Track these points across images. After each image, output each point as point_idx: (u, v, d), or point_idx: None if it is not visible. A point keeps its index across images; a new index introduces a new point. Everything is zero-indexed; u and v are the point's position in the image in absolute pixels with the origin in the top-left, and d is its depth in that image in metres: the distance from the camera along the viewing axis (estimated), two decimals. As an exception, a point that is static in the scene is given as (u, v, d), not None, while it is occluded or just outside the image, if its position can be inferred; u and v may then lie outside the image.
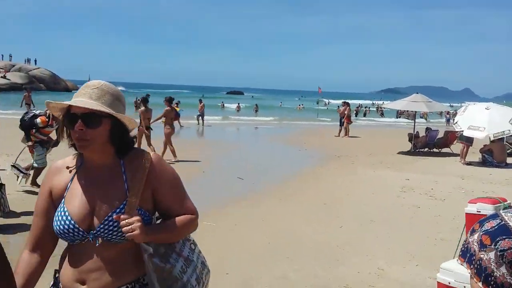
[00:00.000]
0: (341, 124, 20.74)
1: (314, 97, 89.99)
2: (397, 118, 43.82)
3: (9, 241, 5.03)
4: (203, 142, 16.43)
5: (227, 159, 12.39)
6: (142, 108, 11.19)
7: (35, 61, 79.07)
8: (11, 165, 7.30)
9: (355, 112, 46.45)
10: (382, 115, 45.60)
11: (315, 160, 12.73)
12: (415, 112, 17.75)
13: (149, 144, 10.70)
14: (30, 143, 7.17)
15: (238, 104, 47.76)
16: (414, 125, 16.16)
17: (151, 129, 11.10)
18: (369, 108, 57.95)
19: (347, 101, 23.39)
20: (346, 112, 20.56)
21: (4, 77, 66.01)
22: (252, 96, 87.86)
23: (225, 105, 50.84)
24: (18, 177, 7.22)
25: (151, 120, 11.04)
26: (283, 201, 7.43)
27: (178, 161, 10.67)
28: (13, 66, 74.25)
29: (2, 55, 79.05)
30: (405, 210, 7.12)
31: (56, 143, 7.25)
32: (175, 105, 15.36)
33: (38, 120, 7.03)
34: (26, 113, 7.44)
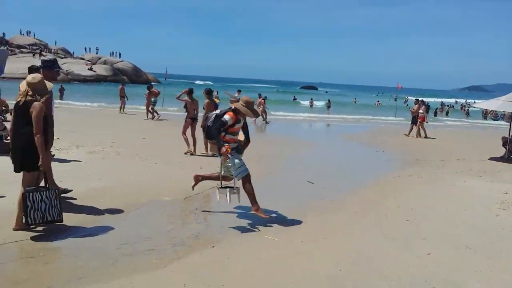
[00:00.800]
0: (413, 123, 19.22)
1: (393, 93, 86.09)
2: (484, 119, 40.38)
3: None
4: (270, 140, 15.62)
5: (295, 159, 11.55)
6: (187, 98, 11.32)
7: (119, 54, 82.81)
8: (219, 188, 5.89)
9: (439, 111, 43.54)
10: (467, 114, 42.09)
11: (394, 164, 11.49)
12: (511, 113, 15.94)
13: (185, 133, 11.03)
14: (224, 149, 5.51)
15: (311, 99, 46.68)
16: (510, 127, 14.25)
17: (196, 120, 11.03)
18: (453, 106, 54.11)
19: (422, 98, 21.83)
20: (421, 110, 18.95)
21: (91, 69, 69.95)
22: (326, 92, 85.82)
23: (297, 100, 50.16)
24: (226, 195, 5.74)
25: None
26: (358, 215, 6.43)
27: (207, 155, 10.67)
28: (99, 58, 78.72)
29: (90, 48, 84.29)
30: (508, 234, 5.87)
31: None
32: (215, 97, 14.85)
33: (227, 117, 5.62)
34: (206, 118, 6.01)
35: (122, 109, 22.52)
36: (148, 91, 20.48)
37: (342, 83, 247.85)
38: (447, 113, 43.52)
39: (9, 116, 14.70)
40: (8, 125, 12.31)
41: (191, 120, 11.03)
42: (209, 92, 10.99)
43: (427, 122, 19.50)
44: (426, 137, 18.50)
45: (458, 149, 14.88)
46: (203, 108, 11.00)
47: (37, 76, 4.90)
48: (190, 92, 11.29)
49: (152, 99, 20.38)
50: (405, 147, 15.00)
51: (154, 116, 20.37)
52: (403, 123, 28.14)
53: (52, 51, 77.53)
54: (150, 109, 20.35)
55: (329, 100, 43.91)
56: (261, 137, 15.93)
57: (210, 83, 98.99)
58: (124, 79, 73.64)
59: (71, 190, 6.34)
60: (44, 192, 4.84)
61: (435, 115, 39.76)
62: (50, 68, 5.42)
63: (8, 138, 10.73)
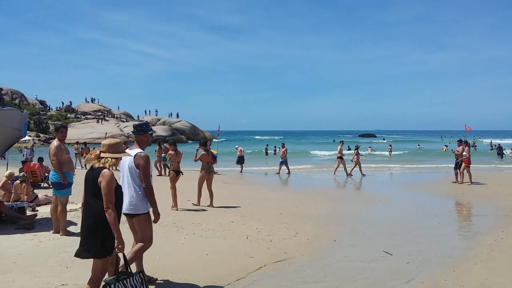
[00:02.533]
0: (457, 168, 17.06)
1: (459, 136, 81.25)
2: None
3: None
4: (321, 194, 13.93)
5: (361, 220, 9.69)
6: (171, 151, 11.13)
7: (177, 114, 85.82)
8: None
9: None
10: None
11: (488, 221, 9.40)
12: None
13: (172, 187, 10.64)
14: None
15: (370, 147, 44.91)
16: None
17: (181, 173, 11.01)
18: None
19: (465, 139, 19.55)
20: (464, 152, 16.65)
21: (151, 131, 72.50)
22: (384, 139, 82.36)
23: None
24: None
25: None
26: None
27: (213, 206, 10.69)
28: (159, 120, 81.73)
29: (150, 111, 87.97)
30: None
31: None
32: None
33: None
34: None
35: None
36: (158, 147, 20.65)
37: (401, 129, 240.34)
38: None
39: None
40: (41, 192, 12.01)
41: (175, 173, 10.86)
42: (204, 144, 11.24)
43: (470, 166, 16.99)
44: (471, 182, 16.18)
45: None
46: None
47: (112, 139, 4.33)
48: (173, 144, 11.39)
49: (162, 154, 20.03)
50: (492, 197, 12.73)
51: (163, 172, 20.17)
52: (477, 168, 25.39)
53: (115, 115, 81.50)
54: (159, 165, 20.38)
55: (390, 146, 41.79)
56: (309, 192, 14.29)
57: (258, 137, 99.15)
58: (182, 138, 75.97)
59: (156, 279, 5.22)
60: (129, 280, 4.03)
61: (501, 157, 36.21)
62: (144, 132, 5.00)
63: (36, 208, 10.17)
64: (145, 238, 4.77)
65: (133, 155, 4.69)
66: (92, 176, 3.97)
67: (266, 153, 39.13)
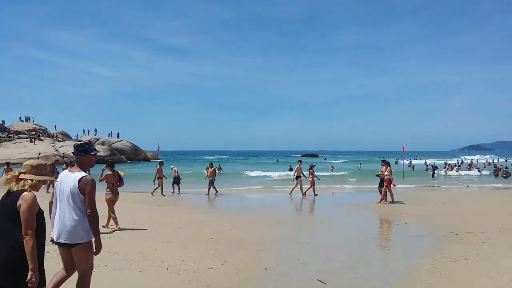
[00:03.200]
0: (381, 186, 17.23)
1: (395, 156, 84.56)
2: (495, 177, 38.13)
3: None
4: (261, 216, 13.27)
5: (296, 245, 9.07)
6: (109, 172, 10.82)
7: (118, 134, 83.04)
8: None
9: (445, 171, 41.35)
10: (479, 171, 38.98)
11: (426, 242, 9.09)
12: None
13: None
14: None
15: (332, 167, 45.15)
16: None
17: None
18: (459, 166, 51.96)
19: (386, 160, 19.65)
20: (386, 172, 16.87)
21: (88, 150, 69.53)
22: (325, 159, 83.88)
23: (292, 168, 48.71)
24: None
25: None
26: None
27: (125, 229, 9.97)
28: (98, 139, 78.48)
29: (88, 130, 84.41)
30: None
31: None
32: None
33: None
34: None
35: (161, 190, 20.33)
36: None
37: (342, 150, 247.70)
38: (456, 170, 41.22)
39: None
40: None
41: (113, 195, 10.67)
42: (110, 164, 10.93)
43: (394, 186, 17.29)
44: (392, 201, 16.40)
45: (492, 215, 12.52)
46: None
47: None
48: (110, 165, 10.99)
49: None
50: (429, 217, 12.61)
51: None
52: (413, 188, 25.94)
53: (52, 135, 77.43)
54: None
55: (332, 167, 42.24)
56: (258, 214, 13.60)
57: (212, 157, 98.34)
58: (122, 158, 73.29)
59: None
60: None
61: (433, 176, 37.91)
62: (86, 152, 4.56)
63: None
64: (86, 268, 4.44)
65: (78, 179, 4.29)
66: (8, 200, 3.51)
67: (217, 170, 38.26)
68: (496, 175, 37.70)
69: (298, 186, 20.09)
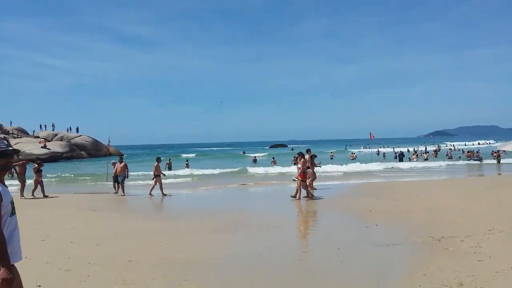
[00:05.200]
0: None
1: (361, 144, 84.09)
2: (468, 160, 37.47)
3: None
4: (208, 222, 11.21)
5: (239, 262, 7.08)
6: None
7: (77, 129, 79.32)
8: None
9: (413, 157, 40.34)
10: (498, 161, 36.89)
11: (403, 254, 7.19)
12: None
13: None
14: None
15: (273, 158, 43.51)
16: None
17: None
18: (427, 152, 51.40)
19: (300, 152, 16.94)
20: (299, 165, 15.00)
21: (45, 146, 65.97)
22: (292, 149, 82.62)
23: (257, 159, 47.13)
24: None
25: None
26: None
27: None
28: (56, 135, 74.85)
29: (45, 125, 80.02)
30: None
31: None
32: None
33: None
34: None
35: (160, 190, 17.86)
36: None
37: (312, 139, 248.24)
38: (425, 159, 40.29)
39: None
40: None
41: None
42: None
43: (310, 178, 15.63)
44: (308, 196, 14.81)
45: (474, 210, 10.84)
46: None
47: None
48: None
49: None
50: (403, 215, 10.81)
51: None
52: (386, 176, 24.45)
53: (7, 131, 72.91)
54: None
55: (294, 157, 40.73)
56: (206, 219, 11.47)
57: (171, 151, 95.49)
58: (83, 154, 69.68)
59: None
60: None
61: (400, 160, 37.94)
62: None
63: None
64: None
65: None
66: None
67: (170, 168, 35.66)
68: (469, 160, 37.14)
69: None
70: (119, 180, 18.47)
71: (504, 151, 31.55)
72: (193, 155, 75.41)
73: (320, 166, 19.21)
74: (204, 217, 11.86)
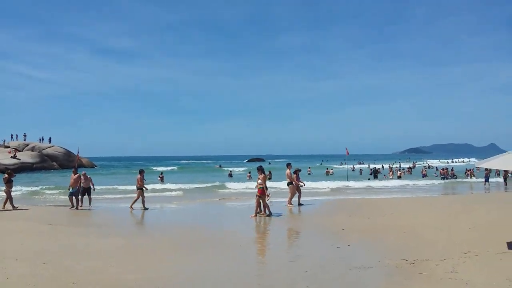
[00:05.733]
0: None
1: (338, 160, 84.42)
2: (442, 179, 37.50)
3: None
4: (172, 238, 10.56)
5: (197, 273, 6.45)
6: None
7: (49, 139, 77.15)
8: None
9: (389, 174, 40.33)
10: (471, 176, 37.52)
11: (374, 278, 6.68)
12: None
13: None
14: None
15: (249, 173, 43.19)
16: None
17: None
18: (403, 169, 51.68)
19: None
20: (260, 181, 14.47)
21: (14, 157, 64.03)
22: (269, 163, 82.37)
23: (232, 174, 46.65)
24: None
25: None
26: None
27: None
28: (27, 145, 72.74)
29: (17, 135, 77.67)
30: None
31: None
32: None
33: None
34: None
35: (142, 203, 17.21)
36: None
37: (289, 154, 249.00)
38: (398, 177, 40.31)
39: None
40: None
41: None
42: None
43: (268, 196, 15.06)
44: (269, 214, 14.18)
45: (449, 230, 10.46)
46: None
47: None
48: None
49: None
50: (377, 235, 10.34)
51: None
52: (360, 192, 24.13)
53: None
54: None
55: (270, 172, 40.43)
56: (151, 238, 10.76)
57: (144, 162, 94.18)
58: (54, 165, 67.67)
59: None
60: None
61: (375, 177, 38.00)
62: None
63: None
64: None
65: None
66: None
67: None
68: (443, 178, 36.87)
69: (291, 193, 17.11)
70: (73, 192, 17.41)
71: (478, 168, 31.94)
72: (174, 167, 74.51)
73: (304, 185, 18.66)
74: (168, 234, 11.16)
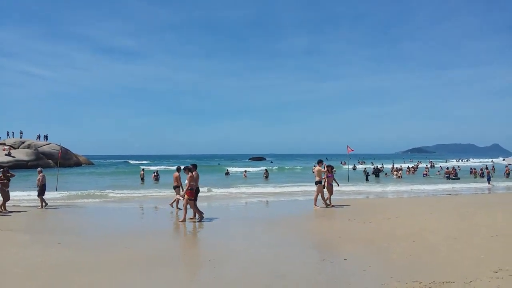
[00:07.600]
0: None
1: (339, 159, 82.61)
2: (447, 178, 35.72)
3: None
4: (119, 256, 8.82)
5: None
6: None
7: (46, 136, 76.06)
8: None
9: (392, 173, 38.53)
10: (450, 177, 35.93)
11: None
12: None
13: None
14: None
15: (245, 171, 41.90)
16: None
17: None
18: (409, 167, 49.81)
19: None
20: (186, 181, 12.77)
21: (9, 154, 62.79)
22: (271, 161, 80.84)
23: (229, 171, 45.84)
24: None
25: None
26: None
27: None
28: (23, 143, 71.62)
29: (13, 132, 76.46)
30: None
31: None
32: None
33: None
34: None
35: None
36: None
37: (292, 153, 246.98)
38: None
39: None
40: None
41: None
42: None
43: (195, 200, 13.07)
44: (184, 220, 12.53)
45: (467, 239, 8.69)
46: None
47: None
48: None
49: None
50: (379, 245, 8.56)
51: None
52: (365, 193, 22.31)
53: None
54: None
55: (266, 170, 39.09)
56: (121, 251, 9.02)
57: (145, 162, 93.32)
58: (50, 163, 66.19)
59: None
60: None
61: (377, 176, 37.08)
62: None
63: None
64: None
65: None
66: None
67: (142, 179, 32.94)
68: (447, 178, 35.58)
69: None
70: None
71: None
72: (173, 167, 72.95)
73: (338, 185, 17.02)
74: (136, 243, 9.40)
